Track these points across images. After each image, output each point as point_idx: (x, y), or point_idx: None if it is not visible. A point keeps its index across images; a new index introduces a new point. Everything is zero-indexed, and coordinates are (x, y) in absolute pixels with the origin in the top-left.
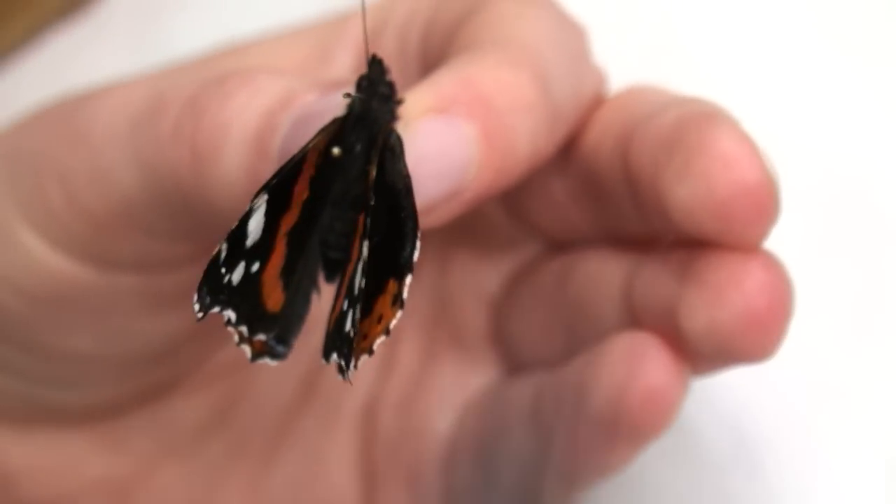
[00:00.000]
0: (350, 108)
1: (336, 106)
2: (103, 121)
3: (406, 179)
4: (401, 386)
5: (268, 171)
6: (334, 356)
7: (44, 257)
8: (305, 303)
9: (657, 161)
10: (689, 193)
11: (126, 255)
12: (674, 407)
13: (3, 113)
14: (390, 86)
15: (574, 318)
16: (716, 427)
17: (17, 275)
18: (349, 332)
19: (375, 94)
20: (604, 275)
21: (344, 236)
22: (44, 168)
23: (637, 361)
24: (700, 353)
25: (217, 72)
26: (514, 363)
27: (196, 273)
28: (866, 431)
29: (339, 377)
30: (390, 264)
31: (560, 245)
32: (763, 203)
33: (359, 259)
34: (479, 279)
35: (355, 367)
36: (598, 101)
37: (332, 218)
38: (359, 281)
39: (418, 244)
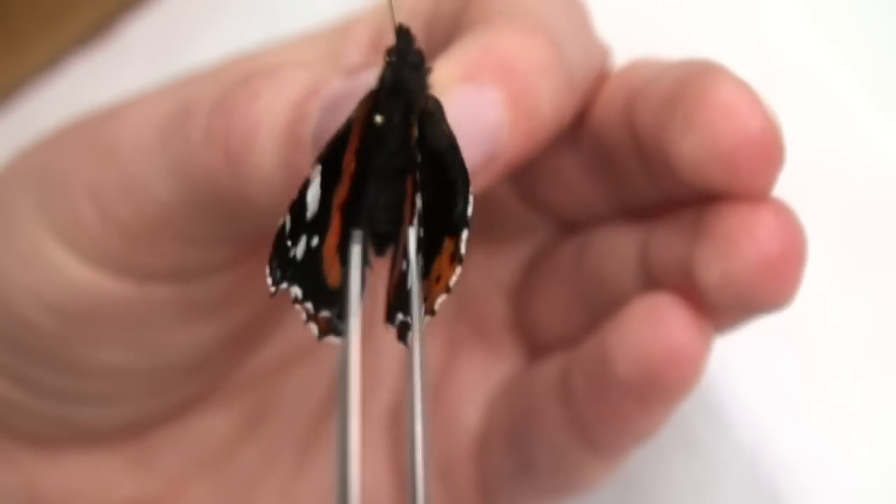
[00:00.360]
0: (382, 78)
1: (364, 87)
2: (130, 133)
3: (450, 139)
4: (426, 380)
5: (303, 161)
6: (399, 315)
7: (77, 273)
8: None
9: (660, 118)
10: (694, 146)
11: (161, 266)
12: (700, 363)
13: (24, 139)
14: (419, 54)
15: (594, 292)
16: (733, 454)
17: (48, 292)
18: (412, 289)
19: (406, 63)
20: (619, 245)
21: (390, 209)
22: (73, 185)
23: (658, 321)
24: (720, 306)
25: (238, 75)
26: (536, 348)
27: (230, 279)
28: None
29: (401, 343)
30: (444, 225)
31: (573, 225)
32: (768, 149)
33: (412, 219)
34: (496, 269)
35: (433, 314)
36: (603, 76)
37: (377, 191)
38: (415, 238)
39: (471, 199)
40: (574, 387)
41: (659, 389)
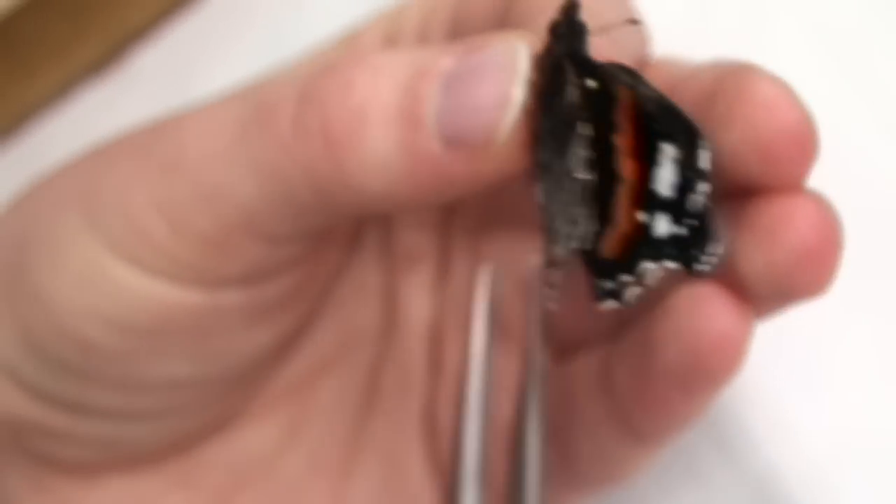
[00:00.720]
0: (567, 48)
1: (486, 63)
2: (197, 143)
3: (663, 98)
4: (453, 381)
5: (425, 141)
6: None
7: (143, 288)
8: None
9: (700, 112)
10: (735, 139)
11: (233, 270)
12: (743, 349)
13: (35, 166)
14: (583, 26)
15: None
16: (739, 484)
17: (110, 309)
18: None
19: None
20: None
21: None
22: (133, 203)
23: (703, 309)
24: (761, 295)
25: (310, 70)
26: (561, 348)
27: (292, 278)
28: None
29: (615, 303)
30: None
31: None
32: (805, 142)
33: (651, 168)
34: (513, 266)
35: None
36: (643, 63)
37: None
38: (666, 180)
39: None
40: (616, 378)
41: (704, 376)
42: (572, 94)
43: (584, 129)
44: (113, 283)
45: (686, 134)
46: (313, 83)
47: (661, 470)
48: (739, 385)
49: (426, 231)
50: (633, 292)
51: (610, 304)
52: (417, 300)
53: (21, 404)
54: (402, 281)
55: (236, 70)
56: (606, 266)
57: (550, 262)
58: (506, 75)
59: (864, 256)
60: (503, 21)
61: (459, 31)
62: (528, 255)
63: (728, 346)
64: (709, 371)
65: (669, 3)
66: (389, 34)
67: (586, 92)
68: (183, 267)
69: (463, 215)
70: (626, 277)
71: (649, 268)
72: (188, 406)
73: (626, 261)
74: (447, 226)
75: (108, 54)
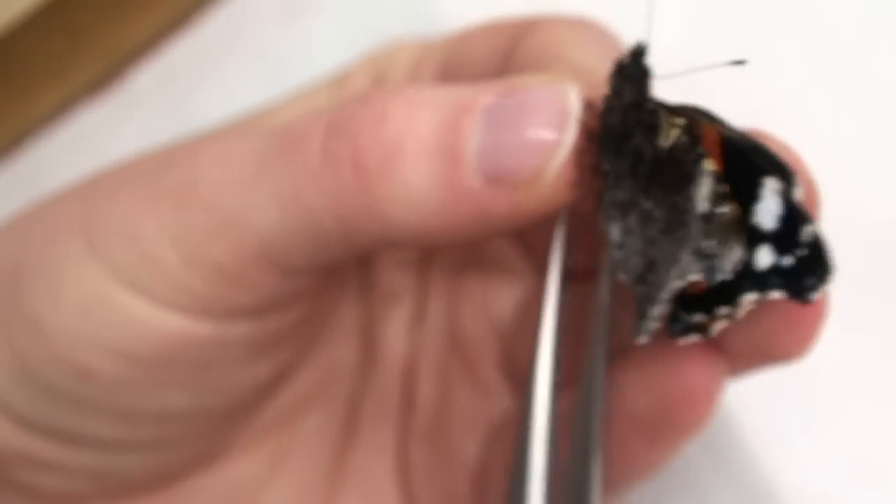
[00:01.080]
0: (637, 93)
1: (532, 102)
2: (210, 175)
3: (746, 137)
4: (425, 418)
5: (464, 177)
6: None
7: (149, 317)
8: None
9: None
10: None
11: (245, 302)
12: (713, 405)
13: (35, 185)
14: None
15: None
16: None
17: (116, 339)
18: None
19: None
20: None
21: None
22: (142, 232)
23: (675, 361)
24: (736, 353)
25: (347, 97)
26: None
27: (299, 310)
28: None
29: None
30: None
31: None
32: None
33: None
34: (489, 309)
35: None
36: None
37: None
38: (770, 213)
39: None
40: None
41: (672, 428)
42: (674, 135)
43: (708, 165)
44: (117, 311)
45: (778, 169)
46: (342, 113)
47: (660, 485)
48: (738, 400)
49: (406, 270)
50: (721, 325)
51: (692, 339)
52: (395, 337)
53: (8, 434)
54: (380, 317)
55: (233, 90)
56: (699, 299)
57: (646, 299)
58: (555, 115)
59: (865, 277)
60: (506, 66)
61: (452, 75)
62: (503, 294)
63: (699, 402)
64: (677, 425)
65: (674, 22)
66: (377, 76)
67: (685, 131)
68: (193, 297)
69: (442, 255)
70: (724, 310)
71: (750, 299)
72: (181, 438)
73: (726, 293)
74: (426, 265)
75: (105, 74)
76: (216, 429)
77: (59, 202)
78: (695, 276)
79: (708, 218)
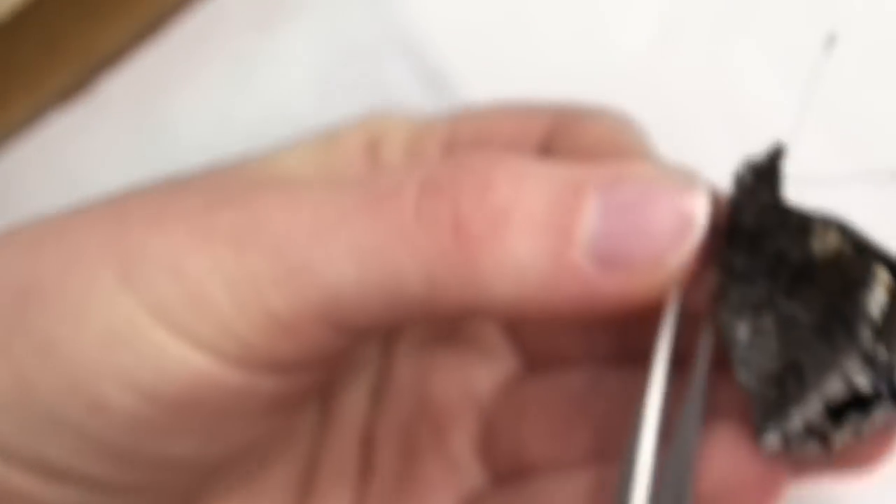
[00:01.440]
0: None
1: (658, 192)
2: (275, 221)
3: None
4: (385, 485)
5: (573, 255)
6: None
7: (184, 358)
8: None
9: None
10: None
11: (289, 356)
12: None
13: (6, 192)
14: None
15: (603, 427)
16: None
17: (141, 374)
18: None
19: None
20: (618, 386)
21: None
22: (189, 271)
23: (738, 457)
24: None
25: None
26: (508, 468)
27: (323, 373)
28: None
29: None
30: None
31: (547, 361)
32: None
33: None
34: (466, 384)
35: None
36: None
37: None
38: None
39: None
40: None
41: None
42: (833, 240)
43: (881, 272)
44: (147, 346)
45: None
46: (439, 175)
47: None
48: None
49: (371, 339)
50: (846, 438)
51: (811, 448)
52: (354, 405)
53: None
54: (339, 381)
55: (205, 98)
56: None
57: (779, 403)
58: (684, 208)
59: None
60: (549, 149)
61: (455, 144)
62: (482, 371)
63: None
64: None
65: (641, 30)
66: (371, 142)
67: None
68: (237, 343)
69: (411, 329)
70: (855, 418)
71: (884, 413)
72: (170, 485)
73: (858, 404)
74: (395, 336)
75: (77, 82)
76: (203, 479)
77: (79, 223)
78: (860, 380)
79: (878, 324)
